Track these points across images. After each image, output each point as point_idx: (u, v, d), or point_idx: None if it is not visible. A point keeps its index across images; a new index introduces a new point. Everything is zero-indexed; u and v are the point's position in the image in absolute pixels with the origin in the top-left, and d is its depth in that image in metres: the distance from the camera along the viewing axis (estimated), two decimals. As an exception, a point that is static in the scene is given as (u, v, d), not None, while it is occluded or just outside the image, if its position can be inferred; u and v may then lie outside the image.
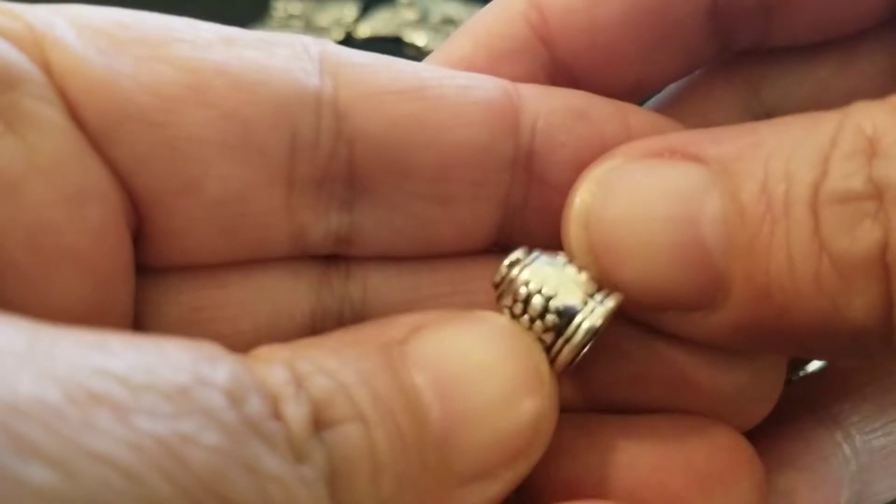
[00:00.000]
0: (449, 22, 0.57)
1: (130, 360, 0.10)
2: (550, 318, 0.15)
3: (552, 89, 0.17)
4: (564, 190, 0.15)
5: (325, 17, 0.58)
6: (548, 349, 0.15)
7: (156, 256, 0.15)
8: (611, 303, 0.15)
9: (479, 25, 0.18)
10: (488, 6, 0.18)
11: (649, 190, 0.14)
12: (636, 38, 0.17)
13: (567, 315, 0.15)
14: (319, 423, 0.12)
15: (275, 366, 0.12)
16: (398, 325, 0.14)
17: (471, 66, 0.17)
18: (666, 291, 0.14)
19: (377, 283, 0.17)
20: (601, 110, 0.16)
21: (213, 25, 0.15)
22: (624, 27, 0.17)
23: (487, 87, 0.16)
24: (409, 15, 0.58)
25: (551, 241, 0.16)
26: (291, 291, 0.16)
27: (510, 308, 0.15)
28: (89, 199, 0.13)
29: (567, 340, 0.15)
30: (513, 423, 0.13)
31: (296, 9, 0.59)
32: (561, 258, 0.15)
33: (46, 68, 0.13)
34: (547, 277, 0.15)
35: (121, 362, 0.10)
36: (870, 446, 0.18)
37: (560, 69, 0.17)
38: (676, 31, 0.17)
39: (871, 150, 0.13)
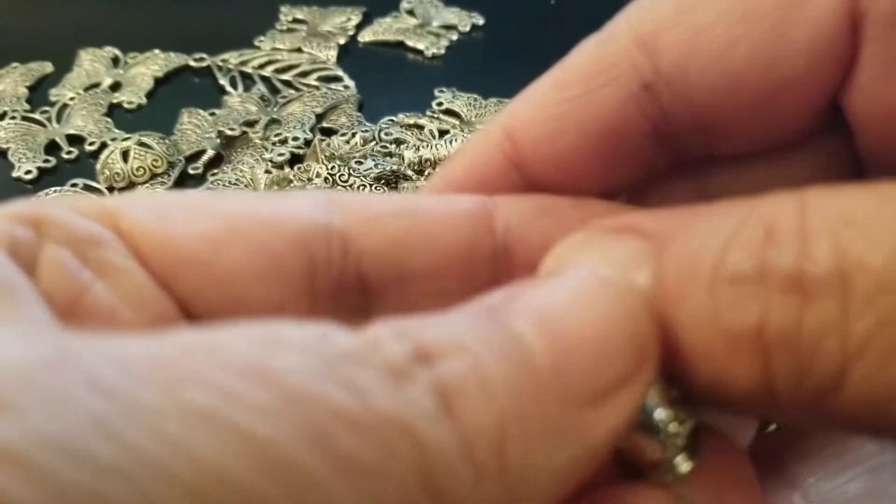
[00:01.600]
0: (449, 28, 0.58)
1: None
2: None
3: (522, 195, 0.20)
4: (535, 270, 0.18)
5: (329, 23, 0.60)
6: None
7: None
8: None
9: (465, 155, 0.21)
10: (472, 137, 0.22)
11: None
12: (593, 161, 0.20)
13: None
14: (423, 357, 0.13)
15: (378, 324, 0.14)
16: (500, 292, 0.15)
17: (461, 188, 0.21)
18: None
19: None
20: (563, 204, 0.20)
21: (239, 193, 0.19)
22: (582, 153, 0.20)
23: (466, 200, 0.20)
24: (411, 21, 0.59)
25: None
26: None
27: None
28: (163, 322, 0.17)
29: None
30: (617, 346, 0.14)
31: (301, 15, 0.61)
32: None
33: (118, 232, 0.17)
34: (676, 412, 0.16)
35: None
36: None
37: (533, 188, 0.21)
38: (628, 151, 0.20)
39: (767, 238, 0.14)
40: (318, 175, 0.47)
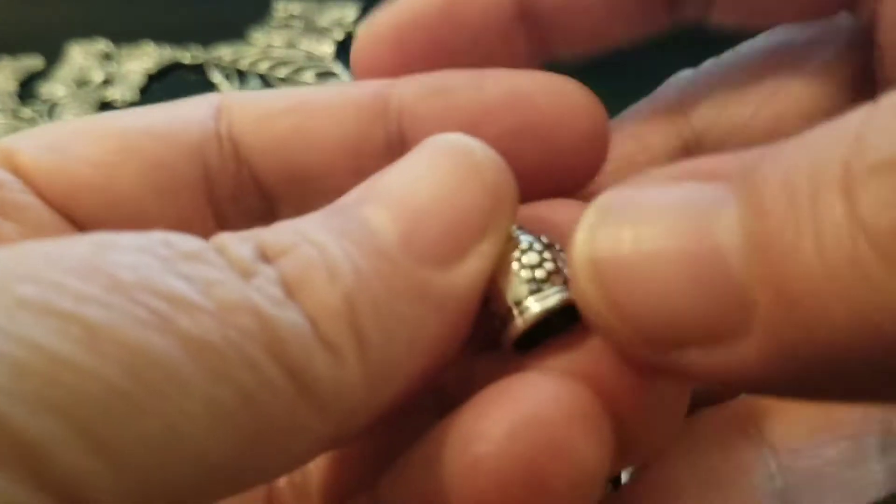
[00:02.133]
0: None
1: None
2: (529, 280, 0.15)
3: (419, 76, 0.19)
4: None
5: (325, 18, 0.59)
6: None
7: None
8: (560, 296, 0.15)
9: None
10: None
11: (658, 212, 0.13)
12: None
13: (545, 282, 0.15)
14: (267, 255, 0.13)
15: (222, 234, 0.14)
16: (355, 190, 0.15)
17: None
18: (684, 322, 0.13)
19: None
20: (456, 82, 0.19)
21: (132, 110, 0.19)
22: None
23: (359, 88, 0.19)
24: (409, 16, 0.58)
25: None
26: None
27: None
28: None
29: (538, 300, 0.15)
30: (466, 202, 0.14)
31: (296, 9, 0.60)
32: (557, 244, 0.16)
33: (15, 170, 0.17)
34: (539, 249, 0.15)
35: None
36: (797, 465, 0.19)
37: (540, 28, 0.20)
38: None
39: None
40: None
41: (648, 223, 0.13)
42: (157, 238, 0.12)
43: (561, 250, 0.16)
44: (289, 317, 0.12)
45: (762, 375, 0.12)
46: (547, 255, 0.15)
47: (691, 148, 0.21)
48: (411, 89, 0.19)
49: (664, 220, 0.13)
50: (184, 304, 0.11)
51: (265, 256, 0.13)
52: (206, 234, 0.18)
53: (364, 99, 0.19)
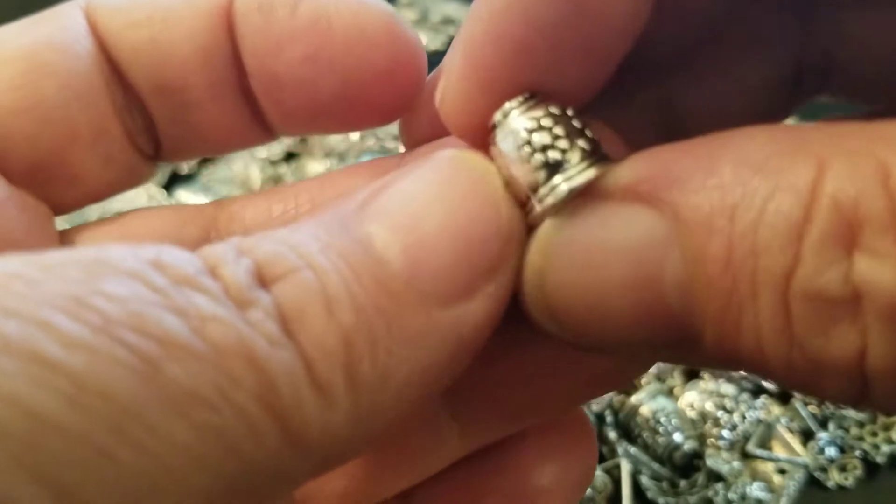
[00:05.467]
0: (448, 22, 0.57)
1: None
2: (541, 165, 0.14)
3: None
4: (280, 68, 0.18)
5: None
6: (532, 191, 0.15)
7: (60, 202, 0.19)
8: (592, 172, 0.14)
9: None
10: None
11: (603, 249, 0.14)
12: None
13: (555, 167, 0.14)
14: (264, 278, 0.12)
15: (218, 244, 0.13)
16: (358, 194, 0.14)
17: None
18: (632, 345, 0.14)
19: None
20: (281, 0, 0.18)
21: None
22: None
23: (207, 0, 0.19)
24: (410, 15, 0.58)
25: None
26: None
27: (500, 147, 0.15)
28: None
29: (552, 190, 0.14)
30: (478, 240, 0.13)
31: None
32: (569, 109, 0.15)
33: None
34: (550, 125, 0.15)
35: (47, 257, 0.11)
36: None
37: None
38: None
39: (851, 236, 0.11)
40: (314, 172, 0.46)
41: (593, 262, 0.14)
42: (149, 257, 0.11)
43: (573, 117, 0.15)
44: (283, 358, 0.11)
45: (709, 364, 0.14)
46: (558, 129, 0.15)
47: None
48: (245, 2, 0.19)
49: (608, 260, 0.13)
50: (175, 347, 0.10)
51: (262, 280, 0.12)
52: (120, 145, 0.19)
53: (213, 10, 0.19)
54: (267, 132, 0.20)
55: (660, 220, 0.13)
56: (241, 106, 0.19)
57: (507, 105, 0.15)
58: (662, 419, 0.35)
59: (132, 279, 0.11)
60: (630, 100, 0.18)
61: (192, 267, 0.12)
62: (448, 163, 0.14)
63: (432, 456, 0.19)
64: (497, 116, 0.15)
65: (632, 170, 0.14)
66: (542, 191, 0.14)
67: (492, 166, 0.14)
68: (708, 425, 0.35)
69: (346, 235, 0.13)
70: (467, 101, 0.15)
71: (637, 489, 0.34)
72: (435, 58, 0.17)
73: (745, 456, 0.34)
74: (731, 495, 0.33)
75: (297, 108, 0.19)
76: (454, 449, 0.18)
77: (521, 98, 0.15)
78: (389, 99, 0.18)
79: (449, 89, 0.16)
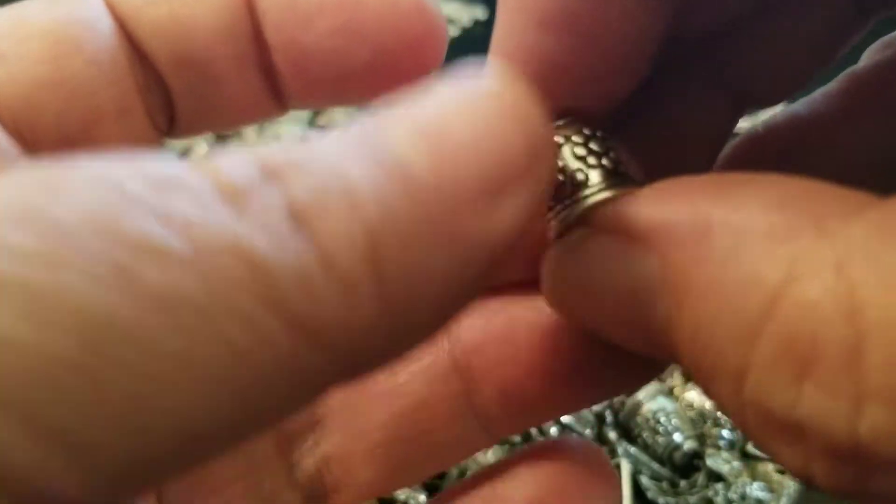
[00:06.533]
0: (449, 22, 0.57)
1: None
2: (562, 182, 0.16)
3: None
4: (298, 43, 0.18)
5: None
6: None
7: None
8: (607, 194, 0.15)
9: None
10: None
11: (600, 283, 0.15)
12: None
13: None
14: (270, 174, 0.11)
15: (216, 151, 0.12)
16: (369, 113, 0.13)
17: None
18: (628, 347, 0.15)
19: None
20: None
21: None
22: None
23: None
24: (410, 15, 0.58)
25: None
26: None
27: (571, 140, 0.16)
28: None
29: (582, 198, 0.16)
30: (509, 144, 0.13)
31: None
32: (598, 131, 0.16)
33: None
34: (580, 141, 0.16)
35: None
36: None
37: None
38: None
39: (804, 364, 0.11)
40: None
41: (595, 282, 0.15)
42: (122, 161, 0.10)
43: (600, 138, 0.16)
44: (293, 253, 0.10)
45: None
46: (580, 150, 0.16)
47: None
48: None
49: (606, 286, 0.15)
50: (153, 252, 0.10)
51: (268, 174, 0.11)
52: (141, 122, 0.19)
53: None
54: (280, 105, 0.20)
55: (652, 267, 0.14)
56: (260, 79, 0.19)
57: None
58: (662, 419, 0.35)
59: (98, 184, 0.10)
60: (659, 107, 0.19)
61: (175, 167, 0.11)
62: (483, 79, 0.14)
63: (457, 447, 0.19)
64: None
65: (638, 206, 0.14)
66: (558, 207, 0.16)
67: (526, 87, 0.14)
68: (708, 425, 0.35)
69: (369, 140, 0.12)
70: None
71: (637, 489, 0.33)
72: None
73: (745, 456, 0.34)
74: (731, 495, 0.33)
75: (322, 80, 0.19)
76: (479, 440, 0.19)
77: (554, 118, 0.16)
78: (415, 68, 0.19)
79: None
